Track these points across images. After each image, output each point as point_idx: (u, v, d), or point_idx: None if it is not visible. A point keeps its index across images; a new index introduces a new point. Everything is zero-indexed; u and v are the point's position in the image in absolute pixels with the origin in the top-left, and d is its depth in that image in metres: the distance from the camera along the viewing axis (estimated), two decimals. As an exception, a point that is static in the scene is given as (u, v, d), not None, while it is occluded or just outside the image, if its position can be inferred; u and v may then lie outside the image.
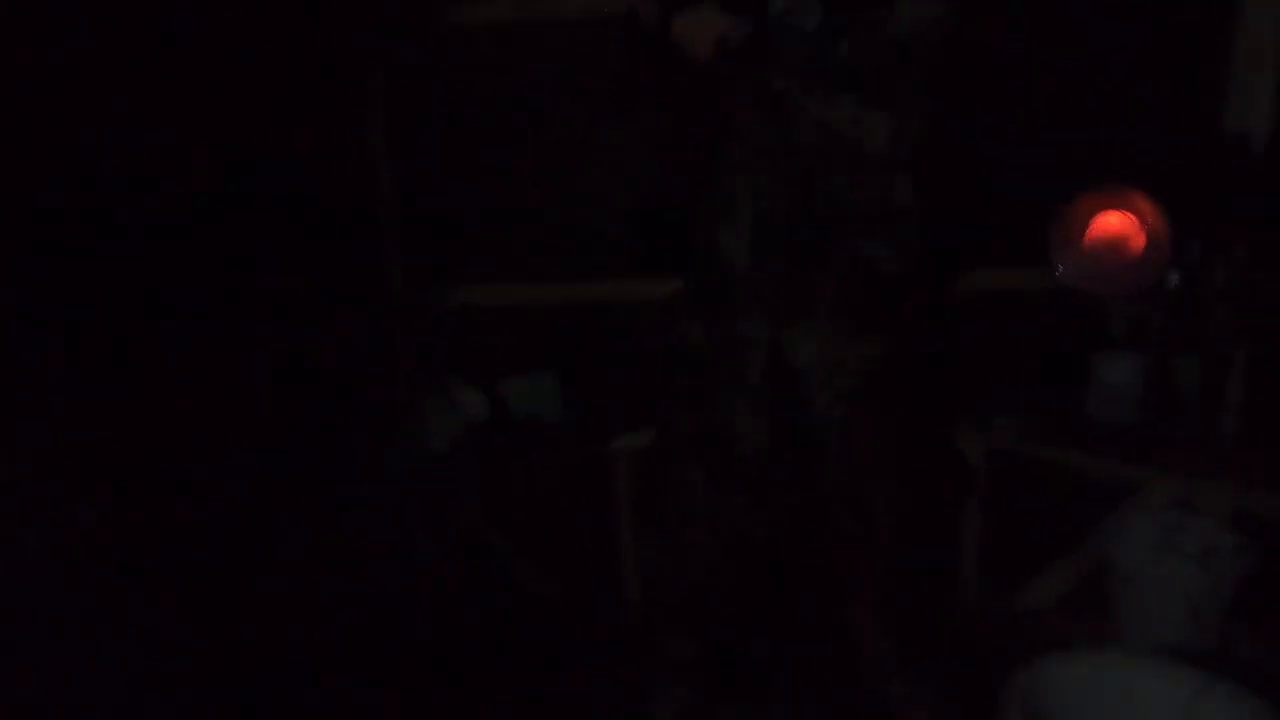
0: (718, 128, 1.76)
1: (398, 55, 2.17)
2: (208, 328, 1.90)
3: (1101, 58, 2.09)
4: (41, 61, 1.68)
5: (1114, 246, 1.89)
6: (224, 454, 1.86)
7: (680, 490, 1.84)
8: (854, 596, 1.89)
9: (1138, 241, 1.88)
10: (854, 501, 1.82)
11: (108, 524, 1.71)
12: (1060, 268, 1.92)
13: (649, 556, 2.08)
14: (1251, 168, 1.94)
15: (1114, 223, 1.91)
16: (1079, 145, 2.09)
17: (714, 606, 1.90)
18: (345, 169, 2.17)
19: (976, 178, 2.05)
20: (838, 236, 1.74)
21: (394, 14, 2.14)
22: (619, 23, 1.81)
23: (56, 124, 1.71)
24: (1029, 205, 2.02)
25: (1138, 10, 2.07)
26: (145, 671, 1.68)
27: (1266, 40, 1.95)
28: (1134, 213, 1.89)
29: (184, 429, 1.83)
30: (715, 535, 1.84)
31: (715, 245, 1.79)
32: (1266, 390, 1.95)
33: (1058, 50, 2.11)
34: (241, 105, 1.94)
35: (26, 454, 1.68)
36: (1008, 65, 2.08)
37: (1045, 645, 1.70)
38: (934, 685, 1.87)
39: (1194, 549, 1.76)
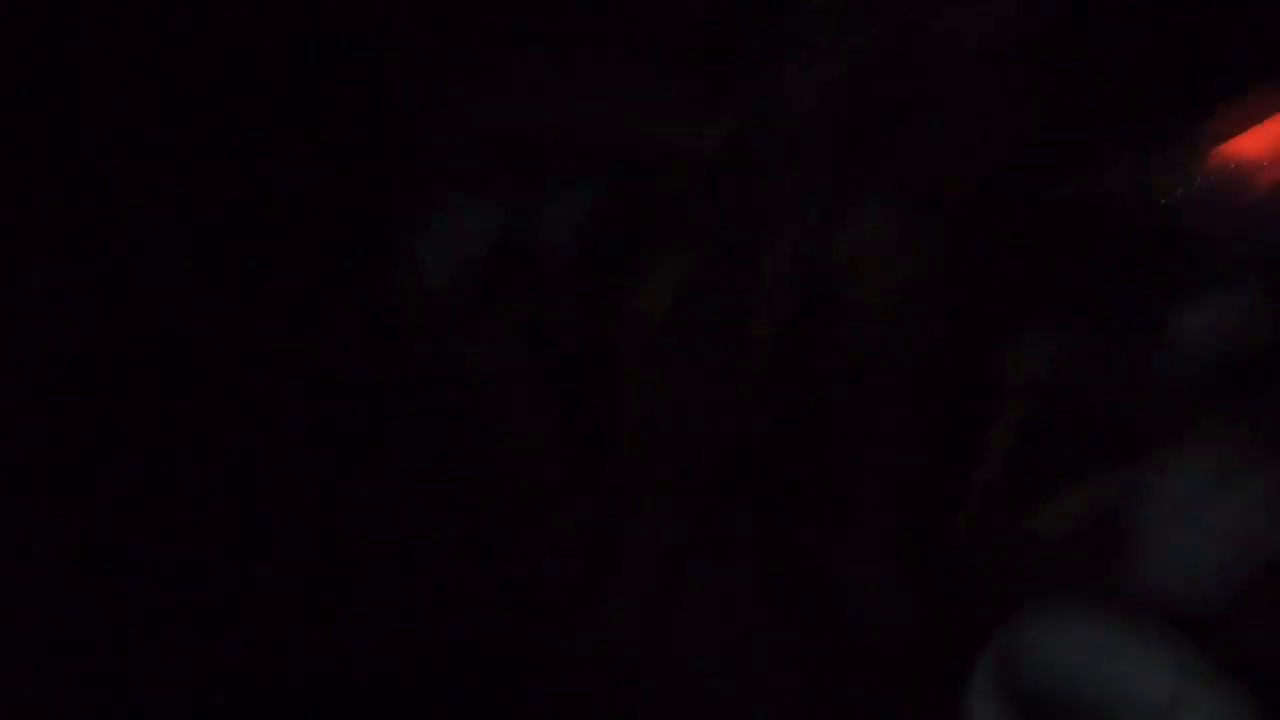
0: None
1: None
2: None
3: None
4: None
5: (1245, 172, 1.65)
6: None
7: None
8: (842, 514, 1.78)
9: (1273, 174, 1.63)
10: (864, 420, 1.72)
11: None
12: (1175, 187, 1.68)
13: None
14: None
15: (1251, 145, 1.65)
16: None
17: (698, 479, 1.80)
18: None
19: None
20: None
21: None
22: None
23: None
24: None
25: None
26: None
27: None
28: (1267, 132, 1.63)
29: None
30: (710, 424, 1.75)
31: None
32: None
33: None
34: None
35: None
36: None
37: (1048, 577, 1.65)
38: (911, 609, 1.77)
39: (1261, 492, 1.55)
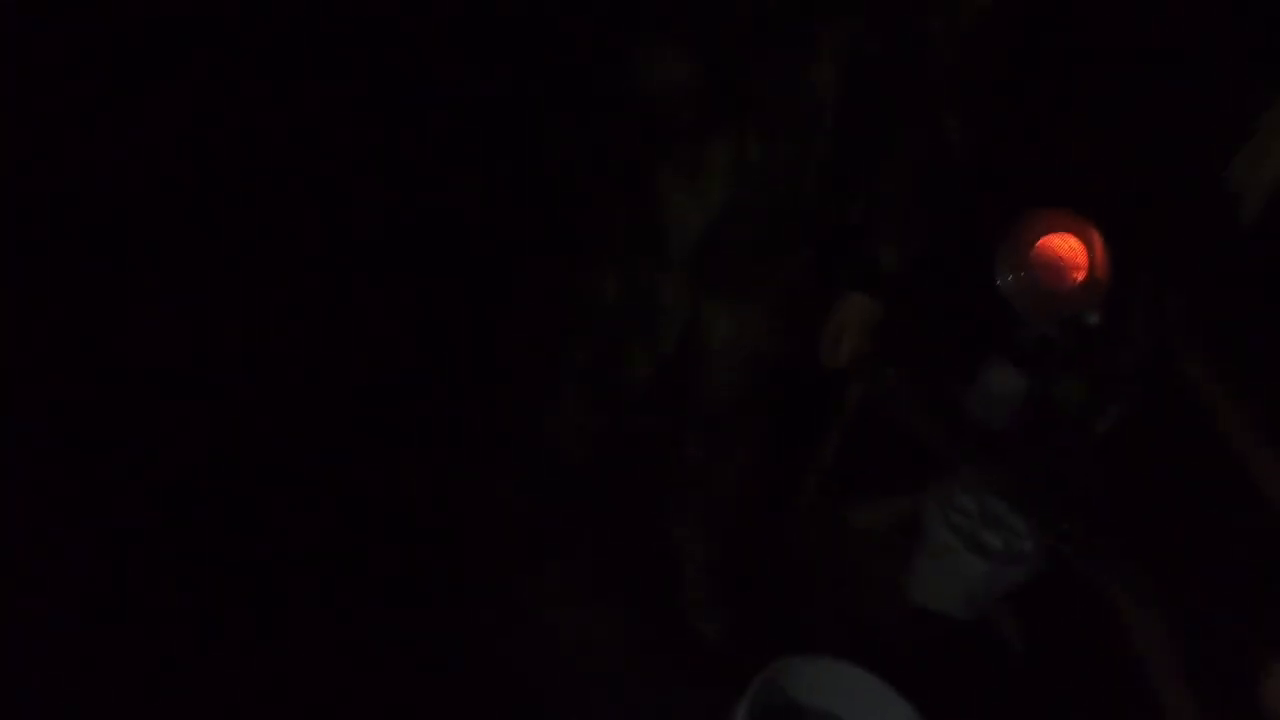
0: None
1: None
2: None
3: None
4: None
5: (1056, 270, 1.86)
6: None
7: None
8: (681, 511, 1.97)
9: (1078, 274, 1.85)
10: (712, 434, 1.85)
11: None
12: (1001, 275, 1.89)
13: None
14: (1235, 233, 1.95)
15: (1063, 246, 1.87)
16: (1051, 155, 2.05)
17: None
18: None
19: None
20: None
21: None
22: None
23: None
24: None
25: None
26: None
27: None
28: (1085, 243, 1.86)
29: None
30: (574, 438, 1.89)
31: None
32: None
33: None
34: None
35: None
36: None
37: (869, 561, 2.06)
38: (735, 602, 1.99)
39: (996, 545, 1.99)
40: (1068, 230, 1.87)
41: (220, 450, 1.87)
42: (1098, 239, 1.86)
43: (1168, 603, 1.75)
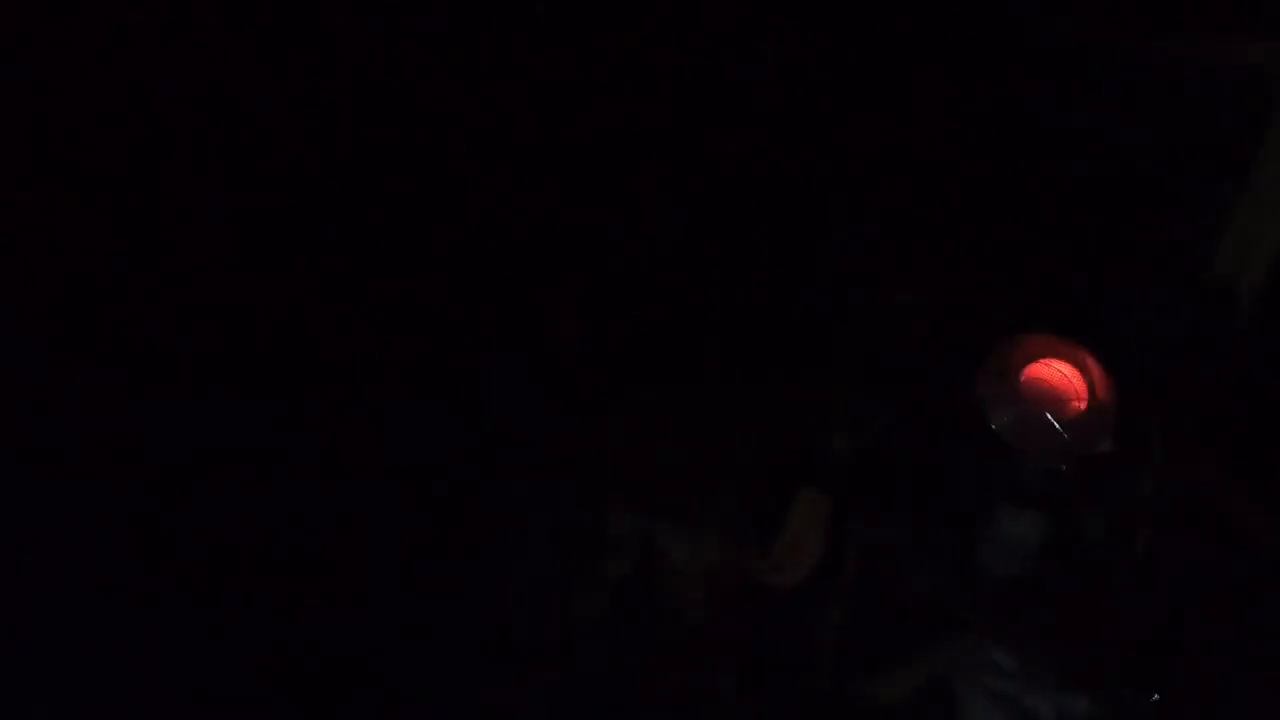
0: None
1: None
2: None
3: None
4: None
5: (1053, 401, 1.71)
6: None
7: None
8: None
9: (1078, 402, 1.70)
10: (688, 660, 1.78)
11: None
12: (993, 416, 1.72)
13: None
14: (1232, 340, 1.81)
15: (1054, 374, 1.72)
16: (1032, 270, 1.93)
17: None
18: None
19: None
20: None
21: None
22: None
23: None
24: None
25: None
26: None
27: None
28: (1078, 367, 1.71)
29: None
30: None
31: None
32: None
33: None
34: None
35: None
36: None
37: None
38: None
39: (1048, 715, 1.75)
40: (1056, 356, 1.72)
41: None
42: (1091, 360, 1.72)
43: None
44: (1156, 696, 1.58)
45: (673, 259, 1.73)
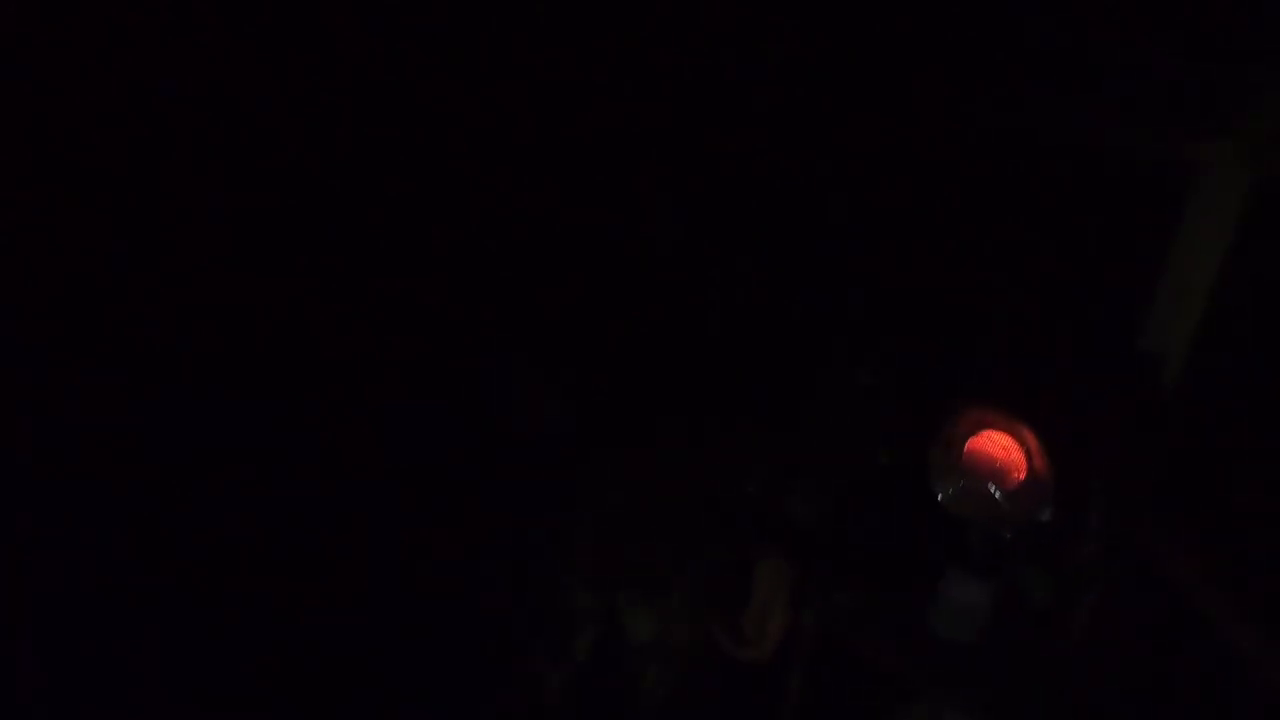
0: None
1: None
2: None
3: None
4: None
5: (993, 474, 1.77)
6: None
7: None
8: None
9: (1017, 474, 1.76)
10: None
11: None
12: (940, 487, 1.78)
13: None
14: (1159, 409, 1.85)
15: (995, 447, 1.78)
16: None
17: None
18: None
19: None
20: None
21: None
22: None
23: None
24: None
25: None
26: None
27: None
28: (1017, 440, 1.77)
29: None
30: None
31: None
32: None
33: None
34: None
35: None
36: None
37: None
38: None
39: None
40: (997, 428, 1.77)
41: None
42: (1029, 433, 1.77)
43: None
44: None
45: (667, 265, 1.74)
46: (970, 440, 1.76)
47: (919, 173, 1.94)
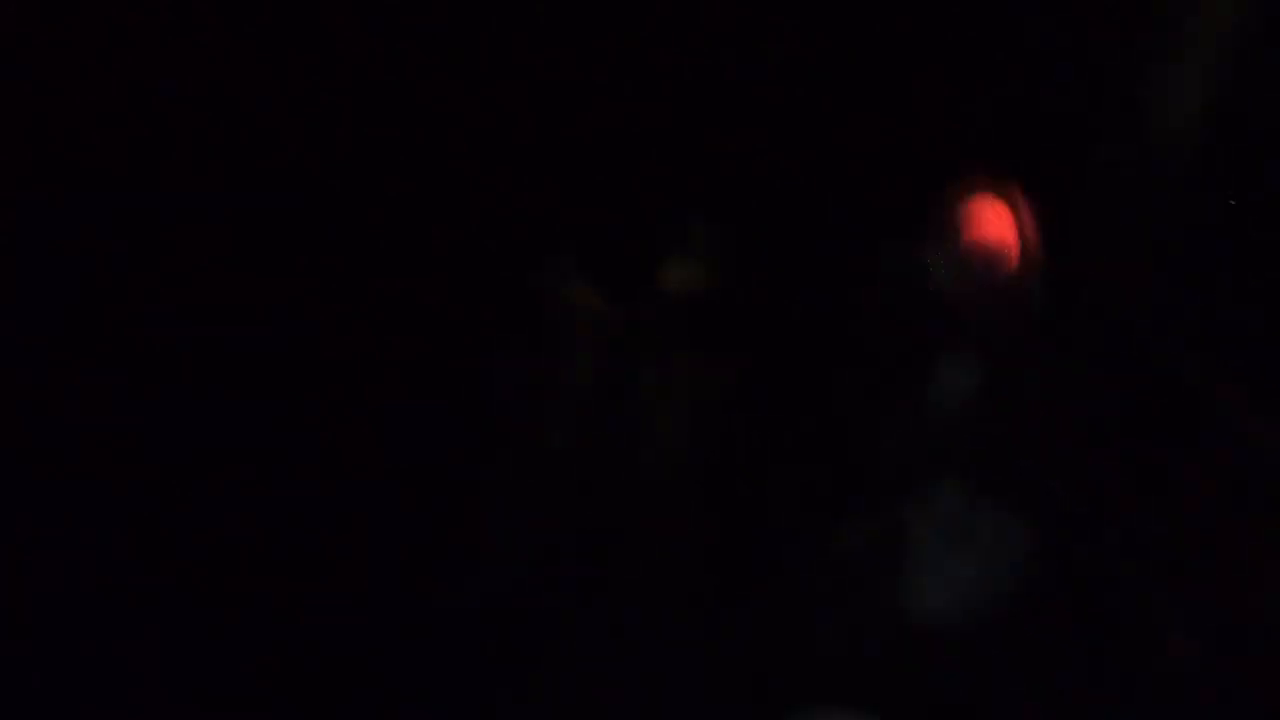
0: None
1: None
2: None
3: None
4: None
5: (990, 251, 1.76)
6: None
7: None
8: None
9: (1013, 249, 1.75)
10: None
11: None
12: (936, 265, 1.78)
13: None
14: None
15: (994, 221, 1.76)
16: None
17: None
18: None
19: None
20: None
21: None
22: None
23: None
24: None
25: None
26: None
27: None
28: (1013, 212, 1.75)
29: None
30: None
31: None
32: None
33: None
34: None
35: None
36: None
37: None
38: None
39: (985, 542, 1.86)
40: (992, 208, 1.75)
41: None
42: (1026, 210, 1.75)
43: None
44: None
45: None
46: (967, 220, 1.74)
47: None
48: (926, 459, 1.88)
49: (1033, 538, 1.85)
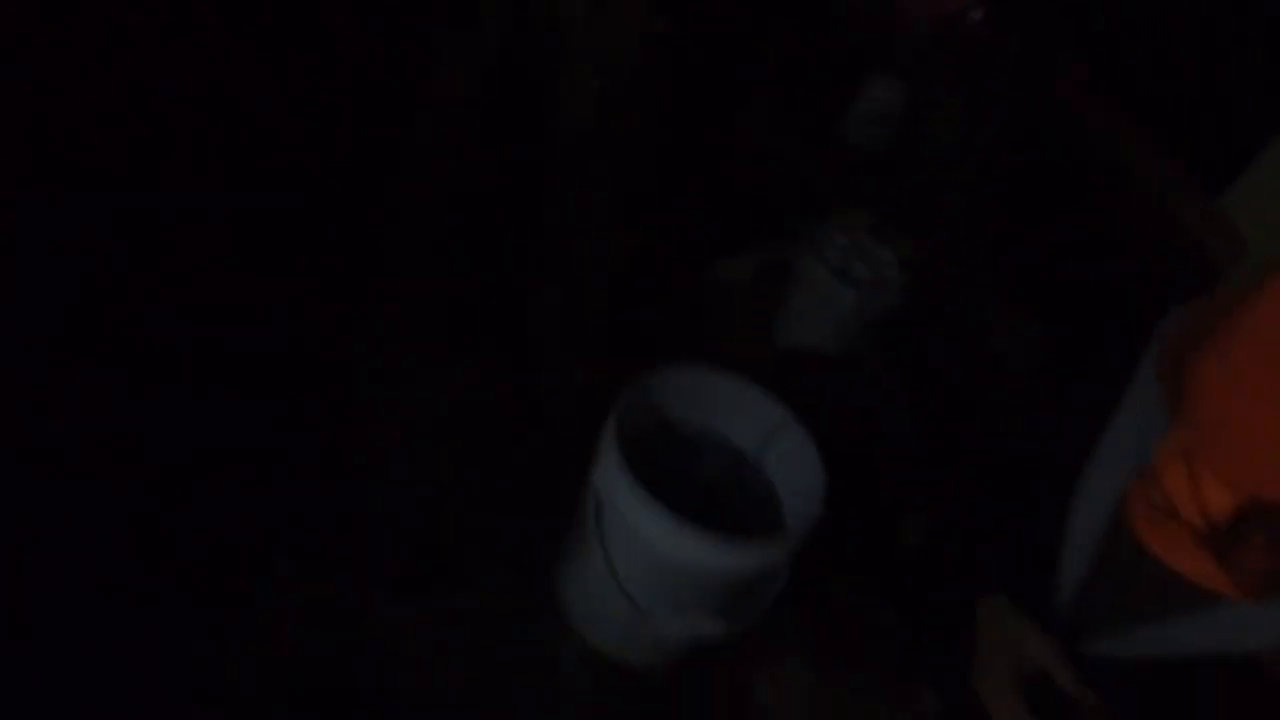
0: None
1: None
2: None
3: None
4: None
5: None
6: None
7: None
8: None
9: None
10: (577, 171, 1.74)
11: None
12: None
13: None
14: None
15: None
16: None
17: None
18: None
19: None
20: None
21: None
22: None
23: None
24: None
25: None
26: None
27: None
28: None
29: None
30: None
31: None
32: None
33: None
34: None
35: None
36: None
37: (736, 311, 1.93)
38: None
39: (865, 275, 1.88)
40: None
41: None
42: None
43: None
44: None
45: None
46: None
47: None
48: (833, 180, 1.87)
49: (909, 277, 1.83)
